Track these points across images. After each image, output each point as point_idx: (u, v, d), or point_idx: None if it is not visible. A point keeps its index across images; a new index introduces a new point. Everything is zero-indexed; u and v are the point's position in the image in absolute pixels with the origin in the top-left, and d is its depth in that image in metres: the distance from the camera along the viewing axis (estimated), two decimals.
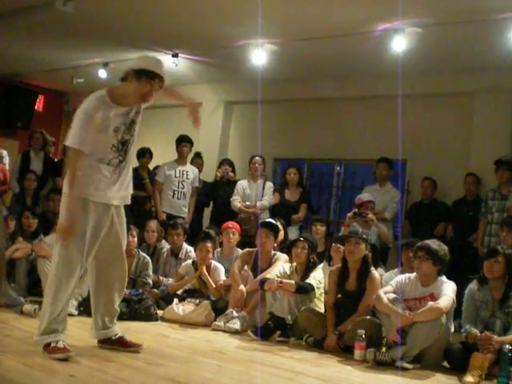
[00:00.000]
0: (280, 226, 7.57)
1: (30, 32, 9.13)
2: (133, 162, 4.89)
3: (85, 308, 6.51)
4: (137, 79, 4.38)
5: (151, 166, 9.97)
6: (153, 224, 8.15)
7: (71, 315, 6.24)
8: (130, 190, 4.71)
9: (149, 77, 4.38)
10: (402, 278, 5.67)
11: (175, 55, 9.53)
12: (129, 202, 4.73)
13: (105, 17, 8.20)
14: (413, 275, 5.60)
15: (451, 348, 5.31)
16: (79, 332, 5.21)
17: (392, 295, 5.45)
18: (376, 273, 6.03)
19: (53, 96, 13.46)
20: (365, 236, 6.37)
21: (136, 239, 7.27)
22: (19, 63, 11.16)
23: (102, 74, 10.63)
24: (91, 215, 4.38)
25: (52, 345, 4.23)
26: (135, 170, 9.51)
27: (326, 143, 10.08)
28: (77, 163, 4.26)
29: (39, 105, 13.16)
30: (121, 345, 4.72)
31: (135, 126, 4.60)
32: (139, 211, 9.08)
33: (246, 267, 6.99)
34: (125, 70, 4.48)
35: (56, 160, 10.80)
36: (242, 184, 9.12)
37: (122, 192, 4.59)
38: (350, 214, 7.82)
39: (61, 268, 4.36)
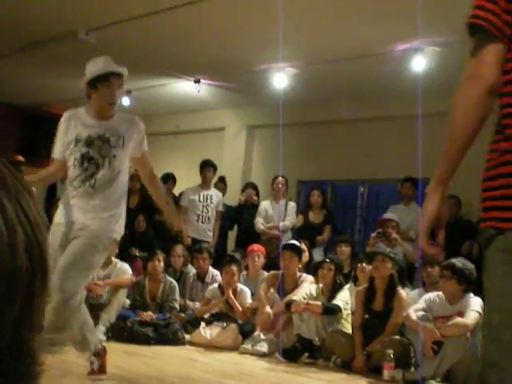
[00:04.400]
0: (304, 248, 7.58)
1: (53, 62, 9.28)
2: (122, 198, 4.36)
3: (113, 333, 6.57)
4: (94, 90, 4.25)
5: (176, 192, 10.04)
6: (178, 249, 8.20)
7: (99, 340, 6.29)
8: (115, 227, 4.23)
9: (103, 81, 4.23)
10: (431, 296, 5.66)
11: (197, 81, 9.61)
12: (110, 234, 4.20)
13: (126, 45, 8.31)
14: (441, 293, 5.58)
15: None
16: (107, 357, 5.23)
17: (421, 313, 5.44)
18: (403, 292, 6.02)
19: None
20: (392, 255, 6.36)
21: (162, 264, 7.32)
22: (43, 93, 11.32)
23: (126, 101, 10.74)
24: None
25: None
26: None
27: (349, 164, 10.09)
28: (48, 168, 4.39)
29: None
30: None
31: (111, 149, 4.23)
32: (165, 236, 9.13)
33: (272, 290, 7.00)
34: (82, 87, 4.34)
35: None
36: (265, 205, 9.15)
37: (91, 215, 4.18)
38: (374, 234, 7.81)
39: None
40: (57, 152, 4.36)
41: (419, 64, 7.59)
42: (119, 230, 4.26)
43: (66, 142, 4.29)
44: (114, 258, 7.23)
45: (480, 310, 5.29)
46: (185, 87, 9.97)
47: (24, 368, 0.56)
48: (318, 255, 8.30)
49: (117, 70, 4.30)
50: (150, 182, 4.63)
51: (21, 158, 7.67)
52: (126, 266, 7.28)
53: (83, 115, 4.32)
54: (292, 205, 9.17)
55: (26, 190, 0.60)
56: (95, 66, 4.30)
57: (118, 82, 4.28)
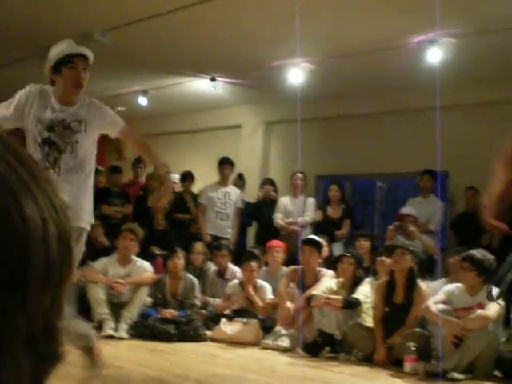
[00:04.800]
0: (324, 242, 7.59)
1: None
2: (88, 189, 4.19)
3: (135, 331, 6.62)
4: (58, 74, 4.02)
5: (195, 189, 10.08)
6: (198, 246, 8.24)
7: (122, 339, 6.36)
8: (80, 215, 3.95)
9: (66, 62, 4.00)
10: (451, 287, 5.65)
11: (213, 79, 9.65)
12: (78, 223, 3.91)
13: (142, 45, 8.36)
14: (461, 285, 5.58)
15: (503, 356, 5.26)
16: (130, 355, 5.28)
17: (441, 306, 5.44)
18: (423, 284, 6.02)
19: None
20: (411, 248, 6.35)
21: (182, 261, 7.36)
22: None
23: (143, 101, 10.82)
24: None
25: None
26: (178, 194, 9.68)
27: (367, 158, 10.07)
28: None
29: None
30: None
31: (74, 134, 4.05)
32: (184, 234, 9.19)
33: (292, 285, 7.02)
34: (46, 73, 4.10)
35: (101, 188, 10.97)
36: (284, 201, 9.17)
37: None
38: (391, 227, 7.81)
39: None
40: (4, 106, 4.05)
41: (435, 56, 7.56)
42: (88, 219, 4.07)
43: (21, 109, 4.02)
44: (134, 257, 7.28)
45: (500, 302, 5.28)
46: (201, 85, 10.01)
47: (53, 351, 0.59)
48: (337, 250, 8.30)
49: (80, 51, 4.08)
50: (140, 149, 4.51)
51: None
52: (146, 264, 7.33)
53: (49, 95, 4.08)
54: (311, 200, 9.18)
55: (46, 176, 0.62)
56: (58, 50, 4.08)
57: (82, 63, 4.05)
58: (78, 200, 3.93)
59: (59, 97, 4.07)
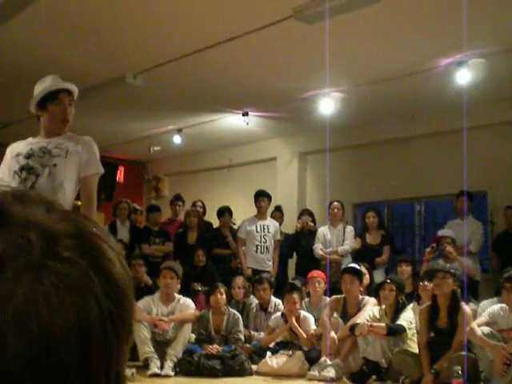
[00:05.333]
0: (364, 270, 7.57)
1: (104, 107, 9.53)
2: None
3: (180, 368, 6.64)
4: (45, 111, 4.04)
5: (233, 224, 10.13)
6: (239, 280, 8.27)
7: (168, 376, 6.39)
8: None
9: (52, 99, 4.02)
10: (495, 308, 5.59)
11: (245, 114, 9.74)
12: None
13: (174, 85, 8.49)
14: (505, 306, 5.52)
15: None
16: None
17: (486, 329, 5.38)
18: (467, 307, 5.96)
19: (132, 166, 13.88)
20: (453, 271, 6.30)
21: (224, 297, 7.39)
22: (97, 138, 11.38)
23: (177, 139, 10.95)
24: None
25: None
26: (217, 230, 9.74)
27: (403, 183, 10.05)
28: None
29: (120, 176, 13.55)
30: None
31: (53, 158, 4.00)
32: (225, 269, 9.23)
33: (335, 314, 7.00)
34: (31, 110, 4.13)
35: (141, 227, 11.09)
36: (323, 231, 9.18)
37: None
38: (428, 250, 7.77)
39: None
40: None
41: (464, 77, 7.55)
42: None
43: (6, 170, 4.07)
44: (176, 294, 7.33)
45: None
46: (234, 121, 10.12)
47: None
48: (378, 277, 8.26)
49: (65, 87, 4.07)
50: (82, 207, 4.23)
51: (79, 203, 7.86)
52: (189, 301, 7.37)
53: (30, 139, 4.13)
54: (350, 228, 9.18)
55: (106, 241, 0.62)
56: (42, 86, 4.08)
57: (68, 98, 4.05)
58: None
59: (44, 131, 4.08)
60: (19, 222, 0.58)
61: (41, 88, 4.07)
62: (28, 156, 3.99)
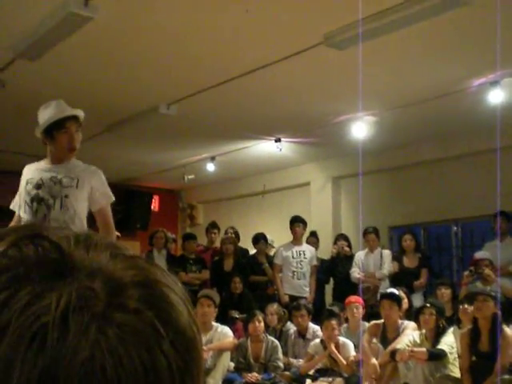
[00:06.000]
0: (403, 294, 7.51)
1: (139, 138, 9.63)
2: None
3: None
4: (51, 138, 3.99)
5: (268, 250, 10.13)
6: (271, 307, 8.21)
7: None
8: None
9: (58, 128, 3.97)
10: None
11: (278, 140, 9.77)
12: None
13: (206, 114, 8.56)
14: None
15: None
16: None
17: None
18: (509, 330, 5.87)
19: (167, 195, 13.97)
20: (493, 293, 6.22)
21: (263, 324, 7.37)
22: (132, 168, 11.72)
23: (210, 167, 11.01)
24: None
25: None
26: (253, 257, 9.75)
27: (439, 205, 9.97)
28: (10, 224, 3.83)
29: (155, 205, 13.65)
30: None
31: (64, 189, 3.98)
32: (262, 296, 9.22)
33: (374, 340, 6.94)
34: (37, 135, 4.08)
35: (177, 256, 11.14)
36: (360, 256, 9.15)
37: None
38: (466, 273, 7.69)
39: None
40: (16, 205, 4.14)
41: (497, 97, 7.50)
42: None
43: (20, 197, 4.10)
44: (214, 323, 7.33)
45: None
46: (266, 147, 10.15)
47: None
48: (417, 300, 8.18)
49: (71, 114, 4.02)
50: (102, 231, 4.14)
51: (118, 234, 7.93)
52: (226, 330, 7.36)
53: (41, 163, 4.12)
54: (387, 252, 9.14)
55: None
56: (47, 113, 4.01)
57: (74, 125, 4.00)
58: None
59: (52, 157, 4.06)
60: (83, 270, 0.56)
61: (46, 115, 4.01)
62: (38, 186, 3.99)
